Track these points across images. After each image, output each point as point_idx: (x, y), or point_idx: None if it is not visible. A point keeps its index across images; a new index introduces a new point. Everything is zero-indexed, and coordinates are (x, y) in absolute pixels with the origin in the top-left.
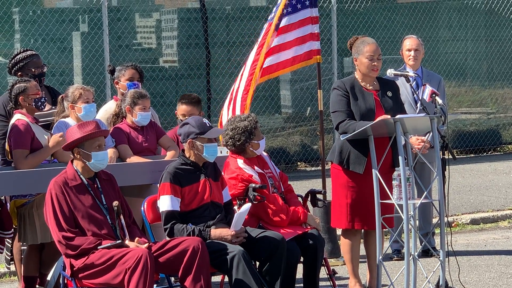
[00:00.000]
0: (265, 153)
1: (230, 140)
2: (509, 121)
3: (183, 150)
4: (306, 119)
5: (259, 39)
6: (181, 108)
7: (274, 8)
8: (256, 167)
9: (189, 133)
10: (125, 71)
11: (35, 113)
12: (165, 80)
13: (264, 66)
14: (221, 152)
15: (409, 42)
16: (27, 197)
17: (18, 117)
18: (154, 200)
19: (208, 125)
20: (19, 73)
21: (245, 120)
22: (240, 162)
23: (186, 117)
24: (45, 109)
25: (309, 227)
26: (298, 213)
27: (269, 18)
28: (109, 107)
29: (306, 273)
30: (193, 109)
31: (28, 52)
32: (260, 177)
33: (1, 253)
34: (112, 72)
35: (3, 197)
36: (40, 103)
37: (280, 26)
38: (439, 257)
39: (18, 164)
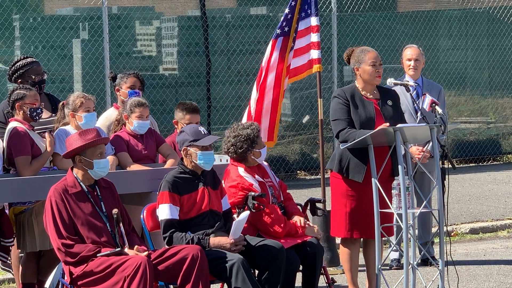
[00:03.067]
0: (265, 163)
1: (232, 147)
2: (509, 130)
3: (181, 159)
4: (306, 128)
5: (271, 59)
6: (187, 117)
7: (282, 18)
8: (256, 176)
9: (184, 141)
10: (127, 78)
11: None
12: (165, 88)
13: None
14: (220, 160)
15: (410, 52)
16: (27, 204)
17: (15, 125)
18: (154, 208)
19: (203, 132)
20: (19, 80)
21: (247, 128)
22: (241, 170)
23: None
24: (45, 117)
25: (308, 236)
26: (297, 227)
27: (279, 32)
28: (110, 115)
29: (305, 281)
30: (197, 117)
31: (28, 59)
32: (261, 186)
33: (6, 262)
34: (113, 79)
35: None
36: (35, 113)
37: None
38: (438, 266)
39: (23, 171)
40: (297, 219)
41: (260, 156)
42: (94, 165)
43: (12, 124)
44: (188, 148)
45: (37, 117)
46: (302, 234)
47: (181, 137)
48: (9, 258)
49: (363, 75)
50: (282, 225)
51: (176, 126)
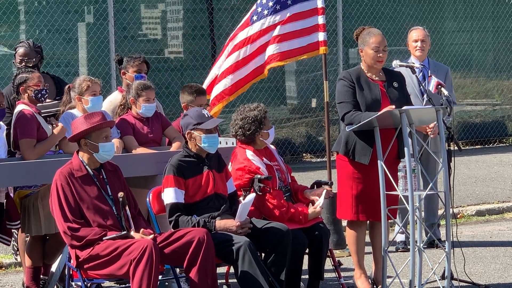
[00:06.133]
0: (272, 147)
1: (240, 130)
2: None
3: (186, 142)
4: (312, 110)
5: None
6: (198, 99)
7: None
8: (264, 159)
9: (188, 124)
10: (134, 62)
11: (39, 104)
12: (170, 71)
13: (260, 64)
14: (226, 143)
15: (416, 33)
16: (32, 188)
17: (22, 107)
18: (159, 191)
19: (206, 116)
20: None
21: (254, 109)
22: (249, 153)
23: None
24: (48, 101)
25: (314, 220)
26: (299, 215)
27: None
28: (114, 98)
29: (311, 264)
30: (206, 98)
31: (20, 44)
32: (268, 169)
33: (9, 245)
34: (119, 62)
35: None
36: (40, 94)
37: (285, 17)
38: (445, 248)
39: (26, 154)
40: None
41: (269, 137)
42: (99, 149)
43: (19, 107)
44: (192, 131)
45: (42, 98)
46: (306, 221)
47: (185, 121)
48: (14, 242)
49: (365, 58)
50: (283, 209)
51: (185, 110)
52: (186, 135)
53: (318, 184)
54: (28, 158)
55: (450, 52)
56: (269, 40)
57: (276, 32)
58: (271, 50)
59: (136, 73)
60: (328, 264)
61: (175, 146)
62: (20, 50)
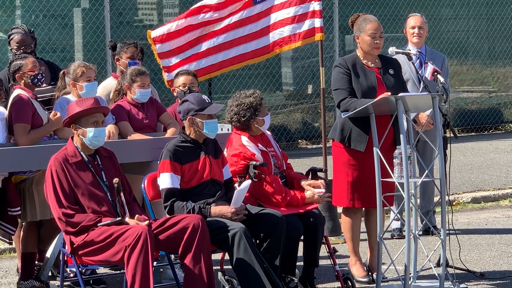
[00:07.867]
0: (268, 132)
1: (235, 116)
2: (510, 99)
3: (183, 128)
4: (308, 97)
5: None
6: (180, 79)
7: None
8: (260, 145)
9: (189, 110)
10: (127, 48)
11: (36, 89)
12: None
13: (261, 46)
14: (221, 129)
15: (414, 20)
16: (27, 173)
17: (19, 92)
18: (155, 177)
19: (207, 101)
20: (11, 48)
21: (250, 96)
22: (244, 139)
23: (187, 86)
24: (43, 86)
25: (310, 206)
26: (298, 199)
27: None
28: (108, 84)
29: (307, 251)
30: (193, 79)
31: (14, 30)
32: (263, 155)
33: (13, 234)
34: (113, 48)
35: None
36: (36, 79)
37: (275, 4)
38: (440, 235)
39: (19, 138)
40: (309, 190)
41: (264, 124)
42: (87, 134)
43: (16, 92)
44: (194, 117)
45: (39, 83)
46: (304, 205)
47: (185, 107)
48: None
49: (362, 45)
50: (283, 195)
51: (174, 94)
52: (187, 121)
53: (313, 171)
54: (21, 144)
55: (446, 39)
56: (268, 26)
57: (272, 19)
58: (270, 37)
59: (130, 60)
60: (323, 251)
61: (170, 132)
62: (17, 37)
